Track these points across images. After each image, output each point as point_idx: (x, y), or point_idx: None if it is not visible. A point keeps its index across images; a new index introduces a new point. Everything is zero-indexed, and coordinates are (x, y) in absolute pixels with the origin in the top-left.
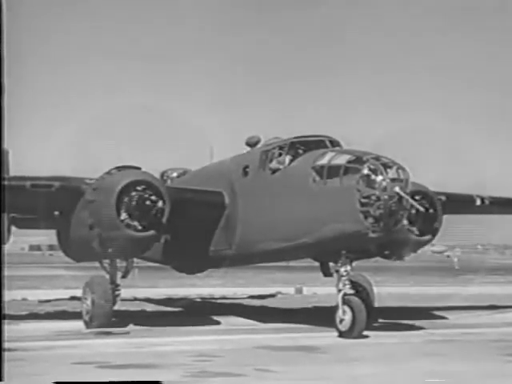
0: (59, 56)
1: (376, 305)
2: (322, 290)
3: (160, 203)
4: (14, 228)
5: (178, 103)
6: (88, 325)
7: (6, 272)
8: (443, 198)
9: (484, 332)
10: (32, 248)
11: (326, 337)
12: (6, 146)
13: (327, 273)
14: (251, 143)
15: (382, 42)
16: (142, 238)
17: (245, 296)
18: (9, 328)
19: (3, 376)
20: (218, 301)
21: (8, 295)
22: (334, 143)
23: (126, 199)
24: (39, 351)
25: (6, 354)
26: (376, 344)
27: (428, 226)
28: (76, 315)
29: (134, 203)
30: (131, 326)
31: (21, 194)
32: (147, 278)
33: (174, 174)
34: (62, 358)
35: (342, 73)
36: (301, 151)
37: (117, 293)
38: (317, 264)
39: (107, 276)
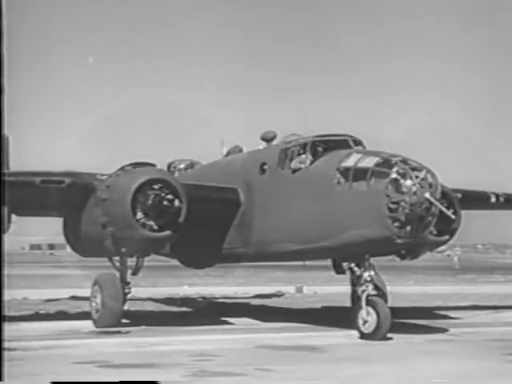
0: (60, 46)
1: None
2: (323, 289)
3: (177, 202)
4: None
5: (189, 96)
6: (97, 324)
7: (7, 271)
8: (459, 195)
9: (484, 331)
10: (32, 247)
11: (327, 336)
12: (6, 132)
13: (340, 270)
14: (267, 138)
15: (401, 37)
16: (157, 238)
17: (250, 295)
18: (9, 327)
19: (3, 376)
20: (223, 300)
21: (8, 294)
22: (357, 142)
23: (142, 198)
24: (39, 351)
25: (6, 354)
26: (377, 343)
27: (446, 226)
28: (77, 315)
29: (150, 202)
30: (141, 326)
31: (30, 189)
32: (147, 277)
33: (182, 166)
34: (62, 358)
35: (358, 66)
36: (323, 151)
37: (127, 291)
38: (317, 263)
39: (117, 273)
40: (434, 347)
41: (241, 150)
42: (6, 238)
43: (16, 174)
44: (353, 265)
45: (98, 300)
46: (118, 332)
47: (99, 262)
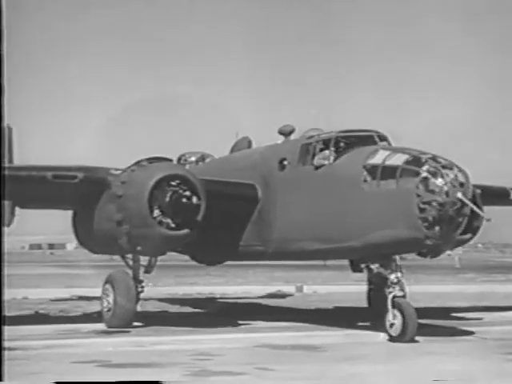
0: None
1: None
2: (322, 289)
3: (195, 199)
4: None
5: (204, 88)
6: (109, 324)
7: (7, 271)
8: (478, 191)
9: (484, 331)
10: (32, 247)
11: (327, 336)
12: (9, 123)
13: (356, 269)
14: (285, 132)
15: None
16: (175, 237)
17: (262, 295)
18: (9, 327)
19: (3, 375)
20: (237, 301)
21: (8, 294)
22: (382, 138)
23: (159, 195)
24: (39, 350)
25: (6, 353)
26: (377, 343)
27: (469, 224)
28: (79, 317)
29: (167, 199)
30: (154, 327)
31: (41, 184)
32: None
33: (192, 159)
34: (62, 357)
35: (376, 62)
36: (347, 147)
37: (140, 290)
38: (316, 263)
39: (130, 271)
40: (433, 347)
41: (249, 142)
42: (5, 237)
43: (27, 168)
44: (371, 264)
45: (110, 299)
46: (118, 331)
47: (101, 261)
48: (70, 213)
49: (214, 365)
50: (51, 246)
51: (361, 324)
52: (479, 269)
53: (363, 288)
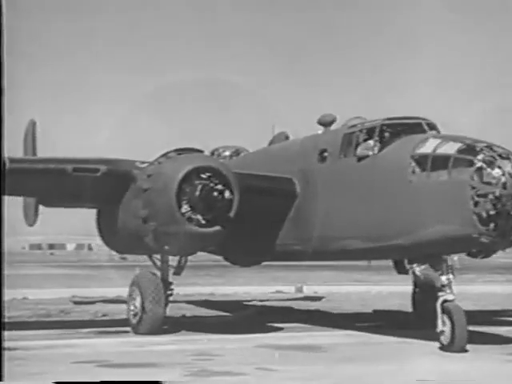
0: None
1: (378, 304)
2: (323, 289)
3: (227, 194)
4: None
5: (240, 77)
6: (136, 329)
7: (7, 271)
8: None
9: (485, 331)
10: (32, 247)
11: (327, 336)
12: (33, 117)
13: (402, 270)
14: (325, 122)
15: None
16: (205, 234)
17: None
18: (9, 327)
19: (3, 375)
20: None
21: (8, 294)
22: (431, 126)
23: (188, 189)
24: (39, 350)
25: (6, 354)
26: (376, 344)
27: None
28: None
29: (197, 194)
30: (183, 332)
31: (61, 178)
32: None
33: (226, 153)
34: (62, 358)
35: (421, 50)
36: (393, 136)
37: (169, 293)
38: (316, 263)
39: (158, 273)
40: (433, 347)
41: (287, 137)
42: (5, 237)
43: (46, 160)
44: (419, 265)
45: (137, 303)
46: (118, 332)
47: (101, 262)
48: (70, 212)
49: (214, 365)
50: (51, 247)
51: (360, 325)
52: (479, 269)
53: (363, 289)
